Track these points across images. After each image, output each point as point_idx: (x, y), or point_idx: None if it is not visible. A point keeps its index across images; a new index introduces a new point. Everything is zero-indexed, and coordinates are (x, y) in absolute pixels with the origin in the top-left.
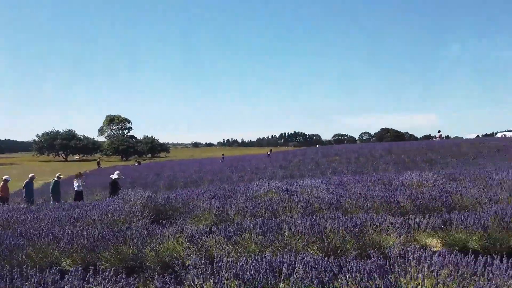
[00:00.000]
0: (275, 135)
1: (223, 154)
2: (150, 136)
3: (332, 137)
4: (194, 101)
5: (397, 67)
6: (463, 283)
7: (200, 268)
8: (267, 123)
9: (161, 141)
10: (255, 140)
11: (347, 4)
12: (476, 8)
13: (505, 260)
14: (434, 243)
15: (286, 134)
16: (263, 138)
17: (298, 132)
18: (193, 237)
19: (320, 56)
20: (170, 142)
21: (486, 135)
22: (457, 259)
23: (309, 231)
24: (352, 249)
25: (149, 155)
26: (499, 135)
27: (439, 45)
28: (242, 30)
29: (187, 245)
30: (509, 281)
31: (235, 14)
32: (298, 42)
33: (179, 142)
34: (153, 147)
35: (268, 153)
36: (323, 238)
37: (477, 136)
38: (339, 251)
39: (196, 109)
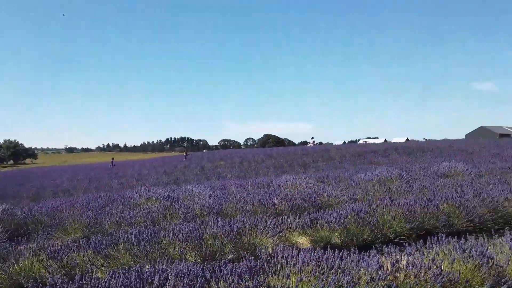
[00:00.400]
0: (160, 140)
1: (113, 158)
2: (12, 140)
3: (218, 142)
4: (67, 102)
5: (266, 79)
6: (322, 276)
7: (60, 287)
8: (152, 127)
9: (26, 145)
10: (139, 145)
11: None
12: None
13: (357, 252)
14: (303, 241)
15: (173, 139)
16: (148, 143)
17: (185, 137)
18: (58, 253)
19: (209, 60)
20: (38, 147)
21: (351, 142)
22: (319, 255)
23: (187, 238)
24: (230, 253)
25: (12, 161)
26: (360, 141)
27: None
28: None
29: (49, 263)
30: (360, 271)
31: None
32: (182, 44)
33: (50, 147)
34: (17, 152)
35: (185, 155)
36: (202, 243)
37: (344, 142)
38: (217, 256)
39: (71, 111)
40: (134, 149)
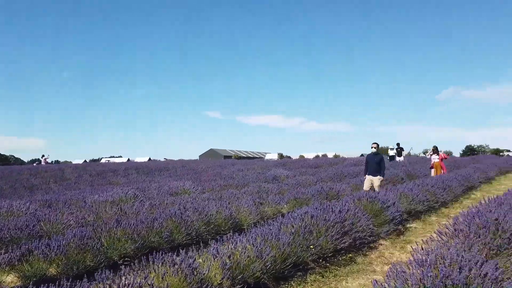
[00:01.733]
0: None
1: None
2: None
3: None
4: None
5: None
6: None
7: None
8: None
9: None
10: None
11: None
12: None
13: (69, 282)
14: (12, 278)
15: None
16: None
17: None
18: None
19: None
20: None
21: (93, 160)
22: None
23: None
24: None
25: None
26: (103, 160)
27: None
28: None
29: None
30: None
31: None
32: None
33: None
34: None
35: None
36: None
37: (85, 161)
38: None
39: None
40: None
